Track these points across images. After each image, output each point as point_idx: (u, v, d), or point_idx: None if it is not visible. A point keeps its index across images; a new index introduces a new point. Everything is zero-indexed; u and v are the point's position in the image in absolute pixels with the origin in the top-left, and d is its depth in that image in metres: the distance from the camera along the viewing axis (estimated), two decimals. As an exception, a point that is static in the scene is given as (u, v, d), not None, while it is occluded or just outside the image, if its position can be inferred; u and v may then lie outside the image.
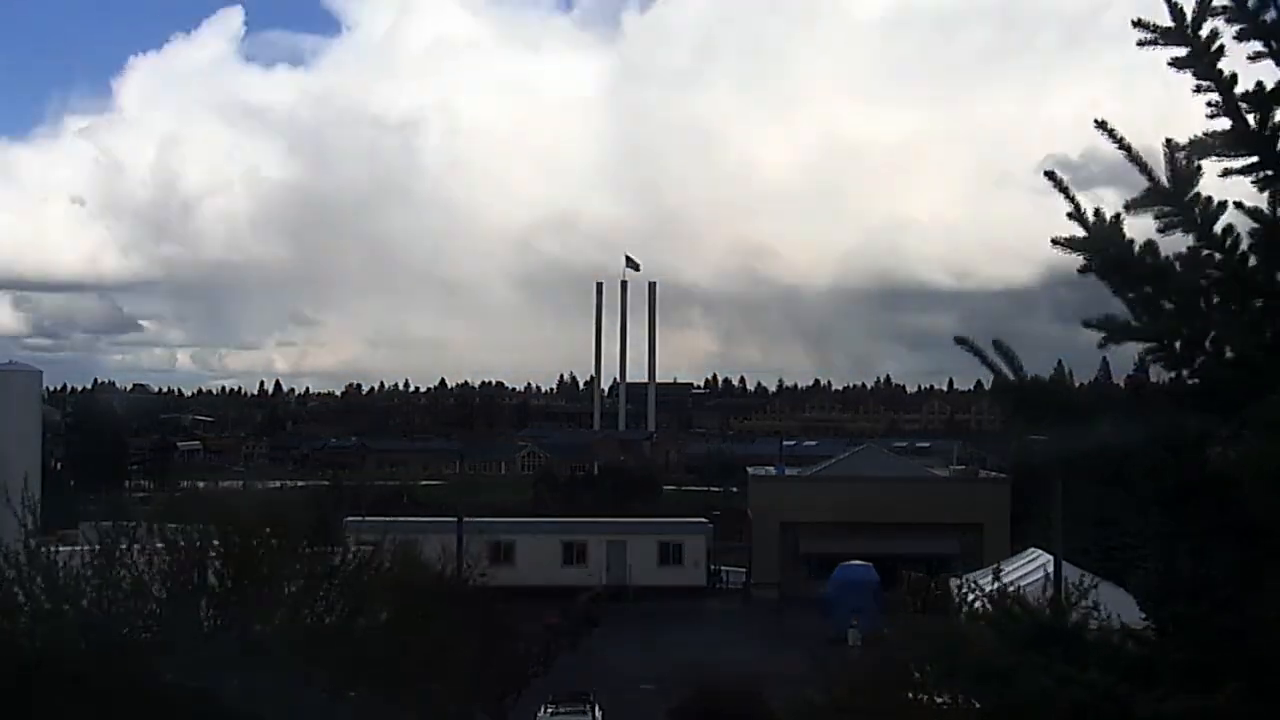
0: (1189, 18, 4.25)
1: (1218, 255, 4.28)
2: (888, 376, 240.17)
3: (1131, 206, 4.32)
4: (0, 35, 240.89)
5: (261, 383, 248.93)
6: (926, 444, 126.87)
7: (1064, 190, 4.35)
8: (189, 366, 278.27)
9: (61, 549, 18.85)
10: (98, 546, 17.84)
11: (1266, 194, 4.27)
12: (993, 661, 4.07)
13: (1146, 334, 4.29)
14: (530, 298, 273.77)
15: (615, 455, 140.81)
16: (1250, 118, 4.23)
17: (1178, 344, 4.25)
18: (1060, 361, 4.54)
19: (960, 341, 4.43)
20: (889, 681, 16.90)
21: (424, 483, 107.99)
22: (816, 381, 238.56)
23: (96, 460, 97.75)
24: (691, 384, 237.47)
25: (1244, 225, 4.31)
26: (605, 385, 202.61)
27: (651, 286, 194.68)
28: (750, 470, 78.06)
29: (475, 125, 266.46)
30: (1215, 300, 4.27)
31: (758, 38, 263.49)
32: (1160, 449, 4.17)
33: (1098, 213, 4.33)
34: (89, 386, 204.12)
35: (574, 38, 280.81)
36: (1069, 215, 4.35)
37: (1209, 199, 4.29)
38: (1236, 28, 4.22)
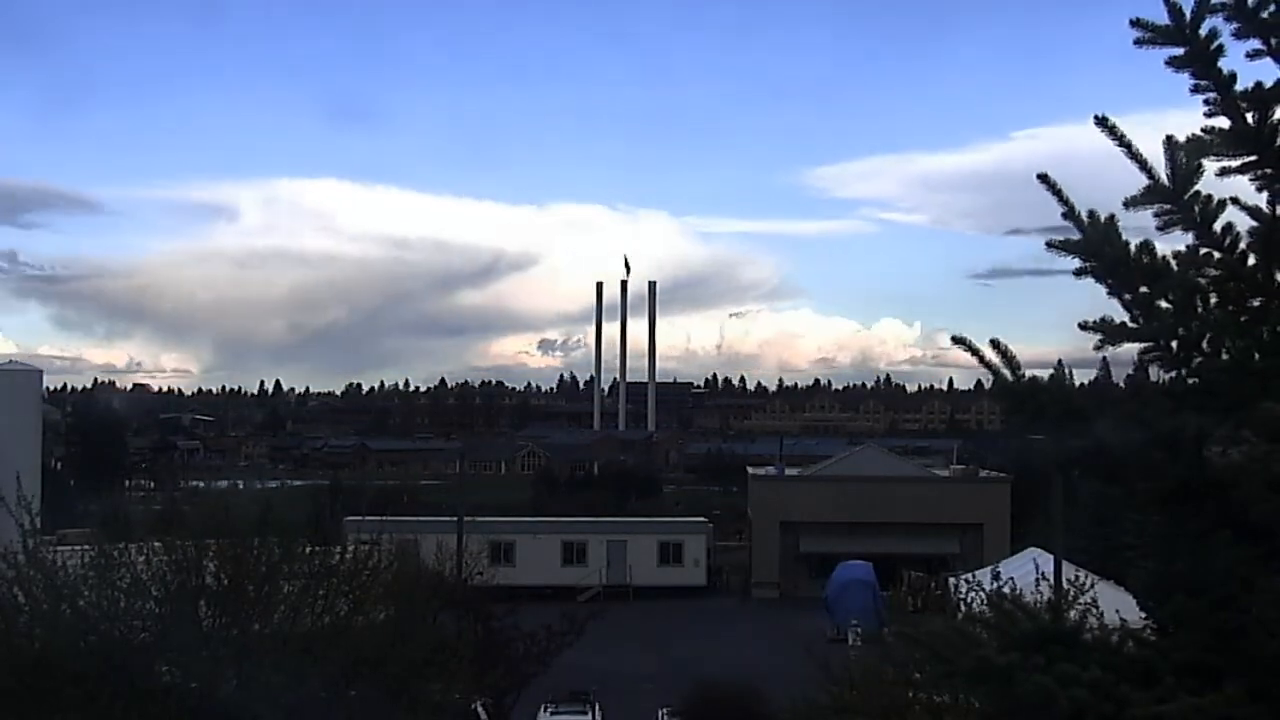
0: (1188, 16, 4.24)
1: (1217, 254, 4.28)
2: (888, 376, 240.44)
3: (1131, 204, 4.31)
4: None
5: (261, 382, 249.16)
6: (926, 444, 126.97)
7: (1057, 192, 4.34)
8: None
9: (61, 549, 18.86)
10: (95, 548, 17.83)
11: (1265, 193, 4.27)
12: (993, 661, 4.06)
13: (1144, 334, 4.28)
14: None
15: (615, 455, 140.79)
16: (1249, 116, 4.21)
17: (1175, 344, 4.24)
18: (1059, 361, 4.55)
19: (958, 341, 4.42)
20: (889, 681, 16.88)
21: (424, 482, 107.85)
22: (816, 381, 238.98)
23: (96, 460, 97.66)
24: (691, 384, 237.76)
25: (1243, 224, 4.30)
26: (605, 385, 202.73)
27: (651, 286, 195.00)
28: (750, 470, 78.01)
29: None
30: (1213, 299, 4.26)
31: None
32: (1159, 449, 4.16)
33: (1092, 214, 4.33)
34: (89, 386, 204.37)
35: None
36: (1064, 216, 4.35)
37: (1208, 197, 4.28)
38: (1235, 25, 4.20)
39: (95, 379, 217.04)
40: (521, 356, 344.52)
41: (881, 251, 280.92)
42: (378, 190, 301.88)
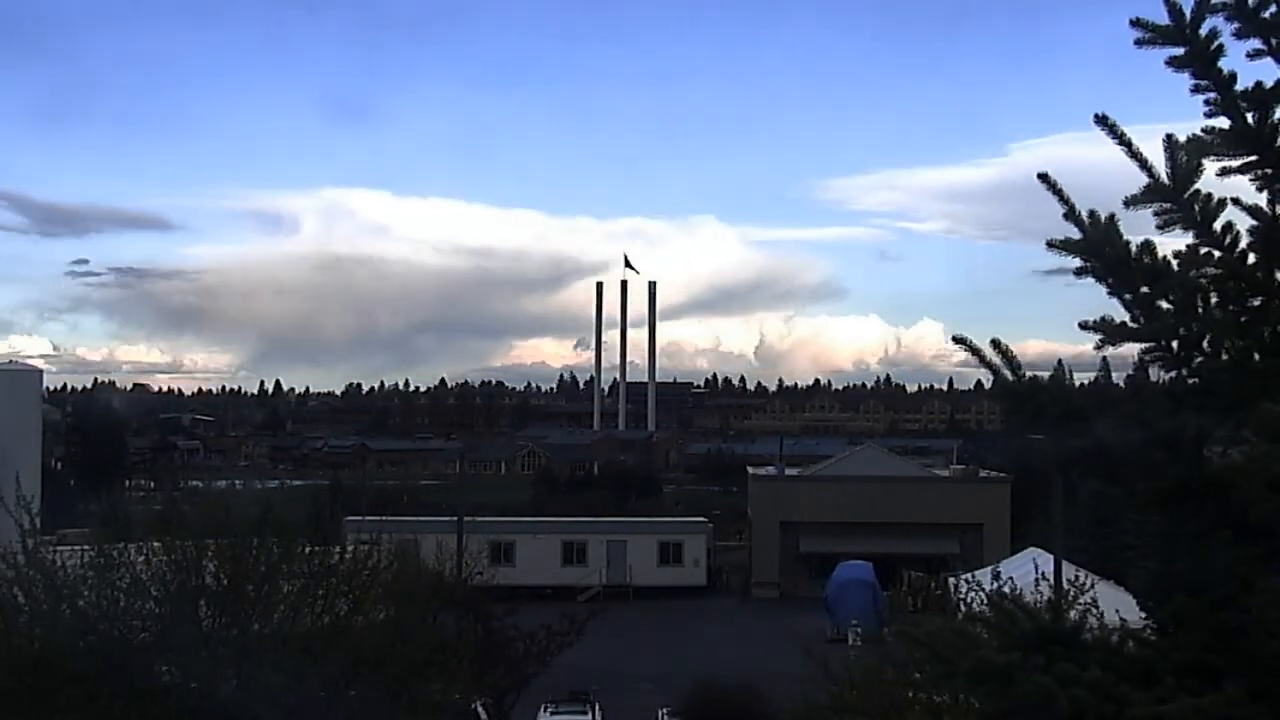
0: (1188, 16, 4.24)
1: (1217, 253, 4.27)
2: (888, 376, 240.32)
3: (1131, 203, 4.31)
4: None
5: (261, 382, 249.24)
6: (926, 444, 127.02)
7: (1058, 192, 4.34)
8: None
9: (61, 548, 18.85)
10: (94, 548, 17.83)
11: (1265, 192, 4.27)
12: (993, 661, 4.06)
13: (1144, 334, 4.28)
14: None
15: (615, 455, 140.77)
16: (1249, 116, 4.21)
17: (1175, 344, 4.24)
18: (1060, 361, 4.57)
19: (959, 341, 4.42)
20: (889, 681, 16.87)
21: (424, 482, 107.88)
22: (816, 381, 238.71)
23: (96, 460, 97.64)
24: (691, 384, 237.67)
25: (1244, 223, 4.30)
26: (605, 385, 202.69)
27: (651, 286, 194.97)
28: (750, 470, 78.02)
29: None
30: (1213, 299, 4.25)
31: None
32: (1159, 449, 4.15)
33: (1093, 214, 4.32)
34: (89, 386, 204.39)
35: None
36: (1064, 217, 4.34)
37: (1209, 196, 4.28)
38: (1235, 25, 4.20)
39: (95, 378, 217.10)
40: (560, 357, 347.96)
41: (909, 257, 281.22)
42: (432, 202, 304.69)
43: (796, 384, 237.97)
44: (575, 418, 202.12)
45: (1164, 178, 4.26)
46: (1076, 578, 22.93)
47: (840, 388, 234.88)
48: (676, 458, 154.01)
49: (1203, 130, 4.25)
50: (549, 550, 65.62)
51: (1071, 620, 4.40)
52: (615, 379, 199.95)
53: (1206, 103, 4.24)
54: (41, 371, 53.85)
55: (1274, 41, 4.20)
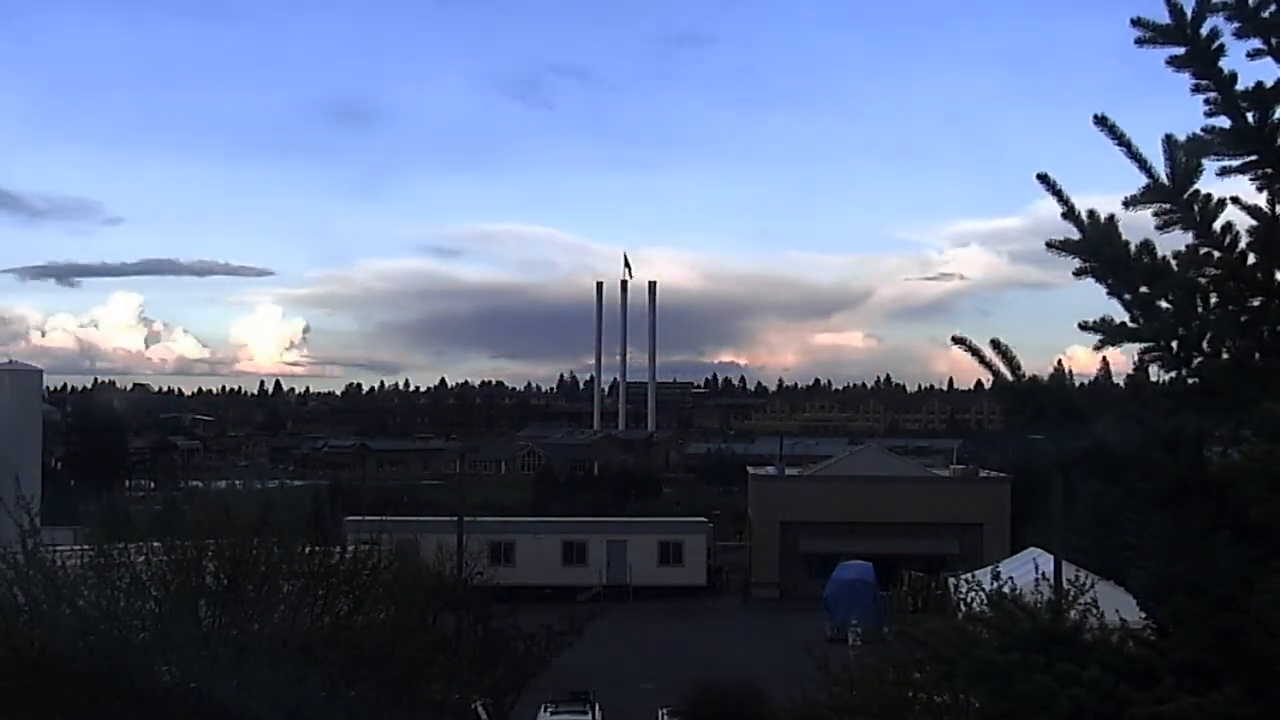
0: (1188, 16, 4.24)
1: (1217, 253, 4.27)
2: (888, 376, 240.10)
3: (1131, 203, 4.31)
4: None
5: (261, 383, 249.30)
6: (926, 444, 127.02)
7: (1057, 192, 4.33)
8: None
9: (60, 548, 18.86)
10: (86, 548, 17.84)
11: (1265, 192, 4.27)
12: (993, 661, 4.06)
13: (1144, 334, 4.28)
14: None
15: (615, 455, 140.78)
16: (1249, 115, 4.21)
17: (1175, 344, 4.24)
18: (1060, 361, 4.59)
19: (958, 341, 4.42)
20: (889, 681, 16.88)
21: (424, 482, 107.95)
22: (816, 381, 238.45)
23: (96, 460, 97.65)
24: (691, 384, 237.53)
25: (1243, 223, 4.30)
26: (605, 385, 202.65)
27: (651, 286, 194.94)
28: (750, 470, 78.03)
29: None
30: (1213, 299, 4.25)
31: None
32: (1159, 449, 4.15)
33: (1092, 214, 4.32)
34: (89, 386, 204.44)
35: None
36: (1063, 216, 4.34)
37: (1208, 196, 4.28)
38: (1236, 25, 4.20)
39: (95, 378, 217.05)
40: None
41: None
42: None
43: (796, 384, 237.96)
44: (575, 418, 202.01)
45: (1163, 178, 4.26)
46: (1076, 578, 22.92)
47: (840, 388, 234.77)
48: (676, 458, 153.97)
49: (1203, 129, 4.25)
50: (549, 550, 65.61)
51: (1071, 620, 4.40)
52: (615, 379, 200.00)
53: (1207, 102, 4.25)
54: (41, 371, 53.83)
55: (1274, 41, 4.20)
